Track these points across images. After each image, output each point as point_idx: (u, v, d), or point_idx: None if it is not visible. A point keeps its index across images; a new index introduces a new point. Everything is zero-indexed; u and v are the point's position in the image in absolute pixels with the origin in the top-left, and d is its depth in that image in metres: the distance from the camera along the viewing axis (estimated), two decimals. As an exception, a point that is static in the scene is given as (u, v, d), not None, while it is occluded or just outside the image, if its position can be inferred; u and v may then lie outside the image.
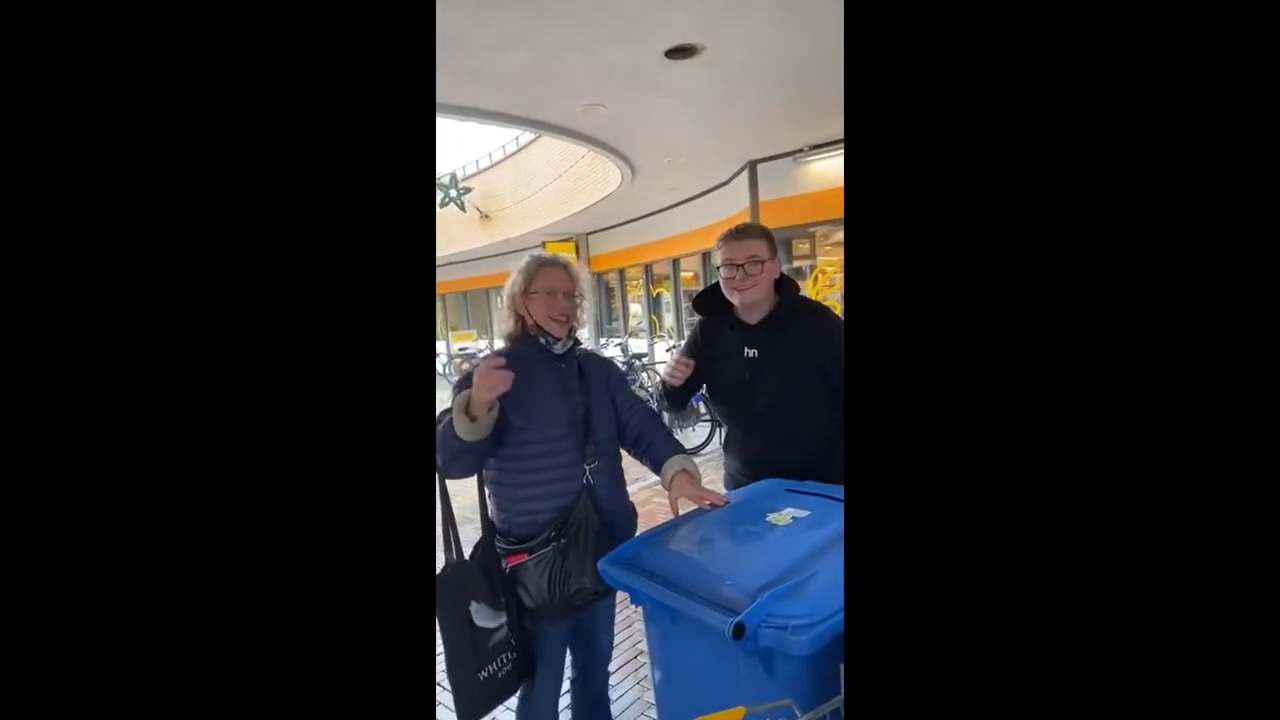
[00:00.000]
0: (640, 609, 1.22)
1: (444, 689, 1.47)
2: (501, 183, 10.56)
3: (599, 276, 11.57)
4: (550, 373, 1.46)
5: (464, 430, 1.30)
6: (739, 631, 0.90)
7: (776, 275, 1.64)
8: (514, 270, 1.51)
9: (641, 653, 2.36)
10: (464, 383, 1.38)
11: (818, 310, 1.71)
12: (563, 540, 1.38)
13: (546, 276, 1.47)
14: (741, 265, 1.59)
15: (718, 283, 1.67)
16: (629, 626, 2.53)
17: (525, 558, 1.38)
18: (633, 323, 11.05)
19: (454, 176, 11.03)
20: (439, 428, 1.34)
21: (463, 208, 10.89)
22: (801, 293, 1.73)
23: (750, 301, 1.62)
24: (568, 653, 1.56)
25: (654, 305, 10.32)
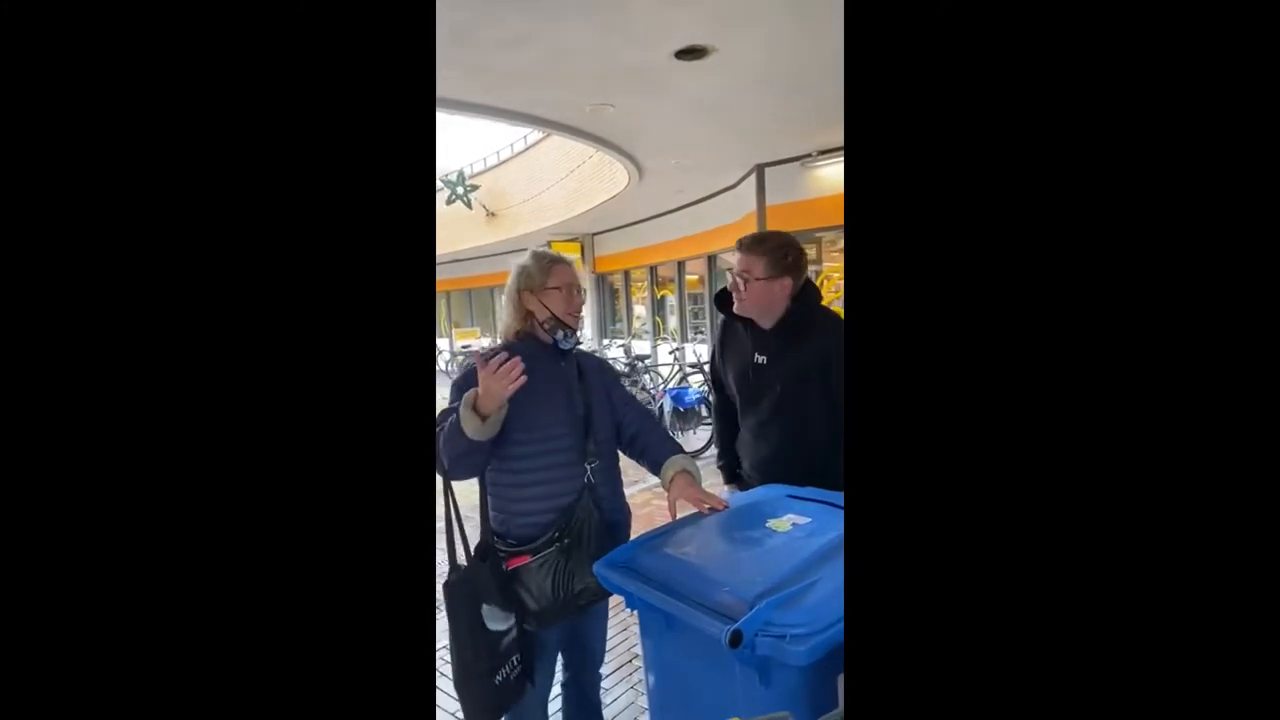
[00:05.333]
0: (635, 613, 1.20)
1: (446, 695, 1.43)
2: (509, 181, 10.57)
3: (604, 277, 11.57)
4: (553, 371, 1.45)
5: (473, 429, 1.26)
6: (736, 639, 0.88)
7: (783, 293, 1.59)
8: (517, 266, 1.49)
9: (636, 657, 2.34)
10: (465, 380, 1.34)
11: (833, 324, 1.63)
12: (566, 540, 1.36)
13: (563, 273, 1.47)
14: (738, 276, 1.59)
15: None
16: (624, 630, 2.52)
17: (528, 559, 1.36)
18: (636, 324, 11.05)
19: (461, 174, 11.03)
20: (444, 427, 1.30)
21: (469, 205, 10.90)
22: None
23: (743, 312, 1.62)
24: (559, 654, 1.54)
25: (658, 307, 10.31)
